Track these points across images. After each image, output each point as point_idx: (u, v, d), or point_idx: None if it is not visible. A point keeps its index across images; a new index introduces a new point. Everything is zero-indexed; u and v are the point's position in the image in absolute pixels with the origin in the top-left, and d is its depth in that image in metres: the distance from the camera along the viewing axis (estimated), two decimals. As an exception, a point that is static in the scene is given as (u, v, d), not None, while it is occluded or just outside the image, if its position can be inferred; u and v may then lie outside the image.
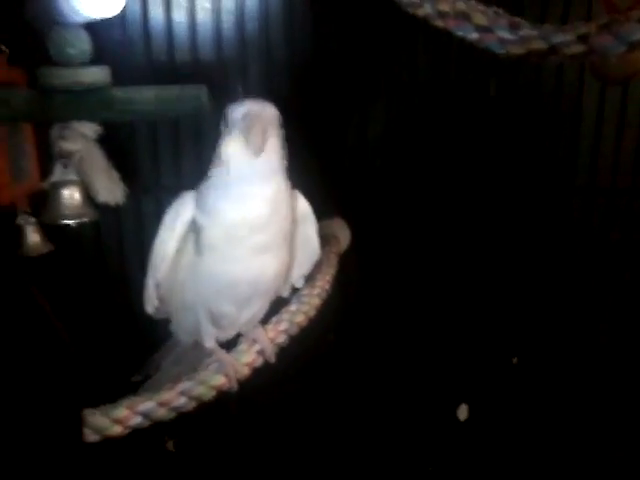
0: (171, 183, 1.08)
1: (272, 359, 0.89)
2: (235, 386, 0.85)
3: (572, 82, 1.16)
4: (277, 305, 0.94)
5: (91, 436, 0.81)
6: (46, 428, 0.66)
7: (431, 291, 1.24)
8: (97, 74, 0.90)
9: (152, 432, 0.91)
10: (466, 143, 1.16)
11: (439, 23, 0.78)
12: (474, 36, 0.74)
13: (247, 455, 1.34)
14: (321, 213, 0.89)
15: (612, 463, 1.29)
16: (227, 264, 0.80)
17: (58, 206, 0.99)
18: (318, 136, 1.16)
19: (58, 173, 0.99)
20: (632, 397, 1.29)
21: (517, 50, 0.71)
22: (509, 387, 1.30)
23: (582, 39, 0.64)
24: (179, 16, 1.09)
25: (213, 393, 0.84)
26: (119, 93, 0.90)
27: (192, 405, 0.84)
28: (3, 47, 0.97)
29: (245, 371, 0.87)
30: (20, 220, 1.04)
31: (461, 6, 0.73)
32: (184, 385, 0.83)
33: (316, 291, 0.98)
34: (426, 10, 0.76)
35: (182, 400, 0.83)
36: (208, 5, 1.08)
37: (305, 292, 0.96)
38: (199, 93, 0.76)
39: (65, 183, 0.99)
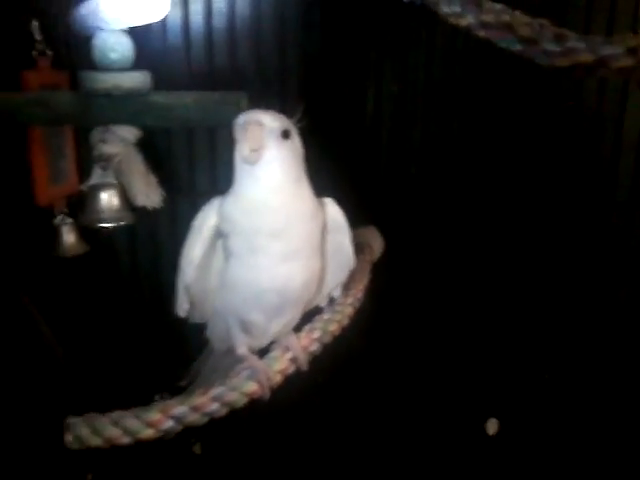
0: (206, 188, 1.09)
1: (305, 367, 0.89)
2: (267, 393, 0.85)
3: (614, 96, 1.13)
4: (313, 315, 0.94)
5: (124, 439, 0.82)
6: (28, 435, 0.67)
7: (464, 302, 1.23)
8: (138, 79, 0.91)
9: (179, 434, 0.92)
10: (504, 154, 1.15)
11: (482, 34, 0.77)
12: (518, 48, 0.73)
13: (273, 460, 1.34)
14: (354, 221, 0.88)
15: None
16: (252, 272, 0.80)
17: (96, 209, 1.00)
18: (353, 144, 1.15)
19: (97, 176, 1.00)
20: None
21: (562, 62, 0.69)
22: (540, 402, 1.28)
23: (632, 52, 0.63)
24: (219, 22, 1.09)
25: (245, 400, 0.84)
26: (159, 98, 0.90)
27: (224, 411, 0.84)
28: (47, 50, 0.98)
29: (277, 378, 0.87)
30: (57, 221, 1.05)
31: (505, 17, 0.72)
32: (216, 391, 0.83)
33: (349, 300, 0.97)
34: (469, 20, 0.75)
35: (214, 406, 0.83)
36: (247, 12, 1.08)
37: (339, 301, 0.96)
38: (239, 99, 0.76)
39: (103, 186, 1.00)
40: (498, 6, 0.73)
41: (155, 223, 1.15)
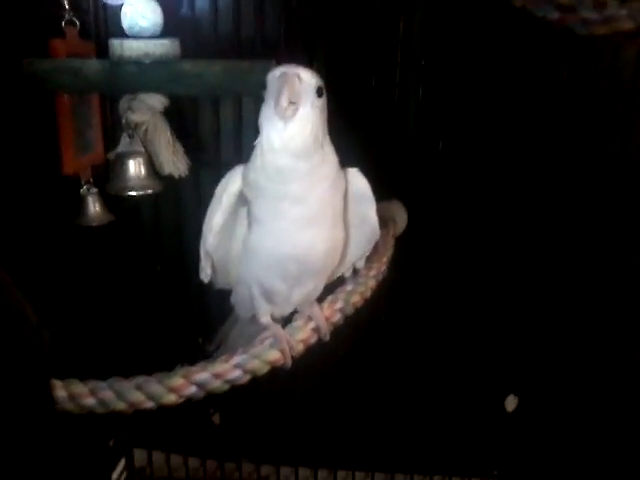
0: (231, 159, 1.08)
1: (327, 337, 0.89)
2: (289, 362, 0.86)
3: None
4: (337, 286, 0.94)
5: (147, 403, 0.83)
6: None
7: (485, 278, 1.22)
8: (167, 46, 0.91)
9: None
10: (534, 132, 1.13)
11: (518, 2, 0.76)
12: (555, 16, 0.72)
13: (291, 431, 1.35)
14: (379, 195, 0.88)
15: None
16: (273, 238, 0.80)
17: (123, 177, 1.00)
18: (380, 117, 1.15)
19: (124, 144, 1.00)
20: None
21: (602, 31, 0.68)
22: (558, 379, 1.28)
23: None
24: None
25: (267, 368, 0.85)
26: (188, 66, 0.90)
27: (246, 378, 0.85)
28: (75, 20, 0.98)
29: (300, 347, 0.88)
30: (83, 191, 1.06)
31: (542, -16, 0.72)
32: (239, 358, 0.84)
33: (372, 272, 0.97)
34: (505, -11, 0.74)
35: (237, 373, 0.84)
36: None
37: (362, 273, 0.96)
38: (268, 68, 0.75)
39: (130, 154, 1.00)
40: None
41: (180, 193, 1.16)
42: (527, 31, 1.01)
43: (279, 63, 0.77)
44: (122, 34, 0.93)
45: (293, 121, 0.73)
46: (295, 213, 0.78)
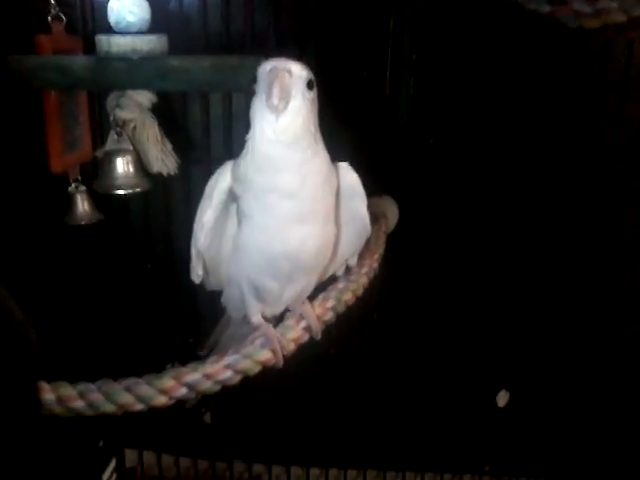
0: (221, 156, 1.07)
1: (319, 336, 0.89)
2: (281, 361, 0.85)
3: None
4: (329, 284, 0.93)
5: (137, 405, 0.82)
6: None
7: (477, 275, 1.22)
8: (155, 42, 0.89)
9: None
10: (525, 128, 1.13)
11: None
12: (546, 9, 0.72)
13: (282, 430, 1.35)
14: (370, 191, 0.87)
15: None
16: (263, 234, 0.79)
17: (111, 175, 0.99)
18: (371, 112, 1.14)
19: (112, 142, 0.99)
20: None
21: (593, 24, 0.68)
22: (550, 374, 1.28)
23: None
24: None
25: (259, 368, 0.84)
26: (176, 62, 0.89)
27: (237, 379, 0.84)
28: (62, 15, 0.97)
29: (291, 347, 0.87)
30: (71, 189, 1.05)
31: (533, -23, 0.71)
32: (230, 358, 0.84)
33: (364, 270, 0.97)
34: (496, -18, 0.73)
35: (228, 373, 0.83)
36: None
37: (353, 270, 0.95)
38: (257, 64, 0.74)
39: (118, 152, 0.98)
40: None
41: (170, 190, 1.15)
42: (518, 24, 1.00)
43: (269, 58, 0.76)
44: (109, 30, 0.91)
45: (284, 114, 0.72)
46: (285, 208, 0.77)
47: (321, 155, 0.79)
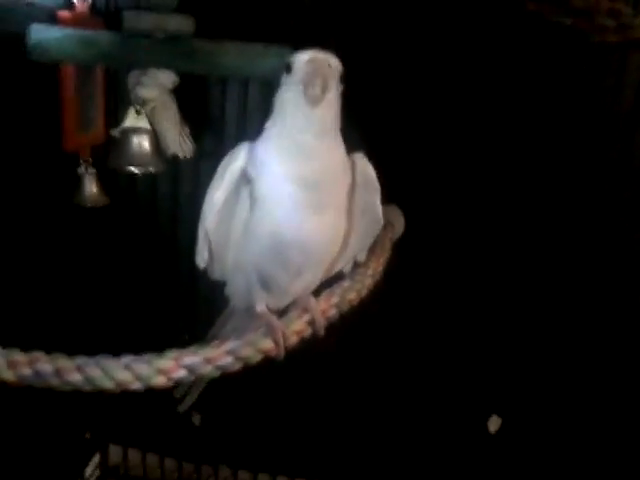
0: (234, 145, 1.07)
1: (321, 332, 0.87)
2: (282, 353, 0.83)
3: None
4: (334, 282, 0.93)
5: (135, 384, 0.80)
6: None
7: (475, 294, 1.22)
8: (181, 22, 0.90)
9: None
10: (532, 140, 1.13)
11: (532, 7, 0.76)
12: (569, 21, 0.72)
13: (273, 432, 1.33)
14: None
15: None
16: (276, 221, 0.78)
17: (127, 153, 0.98)
18: (378, 123, 1.14)
19: (131, 119, 0.99)
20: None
21: (615, 38, 0.69)
22: (542, 399, 1.26)
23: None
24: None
25: (260, 356, 0.83)
26: (201, 44, 0.89)
27: (238, 366, 0.82)
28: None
29: (294, 339, 0.85)
30: (81, 169, 1.05)
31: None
32: (231, 344, 0.82)
33: (370, 272, 0.96)
34: (520, -7, 0.74)
35: (229, 359, 0.81)
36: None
37: (359, 270, 0.95)
38: (283, 52, 0.75)
39: (136, 130, 0.98)
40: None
41: (179, 178, 1.14)
42: (538, 35, 1.01)
43: (295, 48, 0.77)
44: (135, 8, 0.91)
45: (319, 107, 0.73)
46: (303, 197, 0.76)
47: (341, 146, 0.80)
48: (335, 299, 0.90)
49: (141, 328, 1.23)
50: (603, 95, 1.09)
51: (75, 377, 0.79)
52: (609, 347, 1.22)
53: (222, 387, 0.85)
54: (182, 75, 0.98)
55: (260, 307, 0.87)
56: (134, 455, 1.37)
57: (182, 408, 1.03)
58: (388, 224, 1.08)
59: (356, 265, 0.95)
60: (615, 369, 1.23)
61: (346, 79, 0.77)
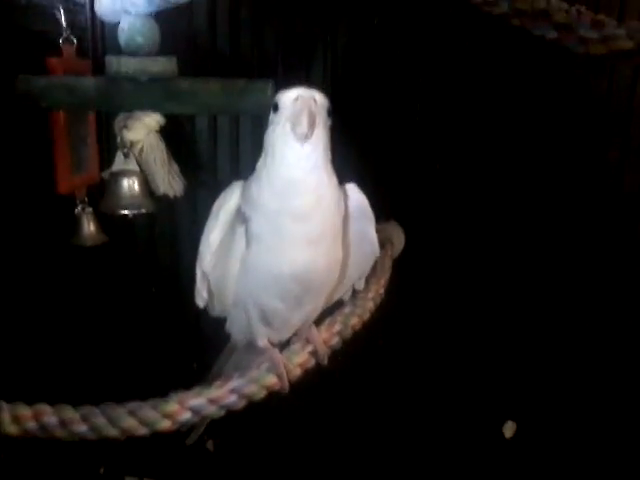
0: (228, 179, 1.07)
1: (325, 361, 0.87)
2: (287, 386, 0.83)
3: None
4: (335, 309, 0.93)
5: (141, 429, 0.80)
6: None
7: (483, 302, 1.21)
8: (164, 64, 0.90)
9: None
10: (531, 154, 1.13)
11: (516, 22, 0.76)
12: (553, 35, 0.72)
13: (285, 457, 1.33)
14: (376, 216, 0.87)
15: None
16: (273, 256, 0.78)
17: (117, 196, 0.99)
18: (377, 137, 1.14)
19: (119, 163, 0.99)
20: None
21: (599, 50, 0.68)
22: (557, 405, 1.26)
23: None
24: (245, 8, 1.07)
25: (264, 393, 0.83)
26: (185, 84, 0.89)
27: (242, 404, 0.82)
28: (73, 38, 0.98)
29: (297, 372, 0.85)
30: (78, 210, 1.05)
31: (541, 4, 0.71)
32: (235, 383, 0.82)
33: (371, 295, 0.96)
34: (502, 9, 0.74)
35: (232, 398, 0.82)
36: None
37: (360, 295, 0.95)
38: (265, 87, 0.75)
39: (125, 173, 0.98)
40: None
41: (176, 213, 1.14)
42: (524, 50, 1.01)
43: (277, 82, 0.77)
44: (119, 52, 0.91)
45: (308, 143, 0.74)
46: (297, 230, 0.77)
47: (333, 178, 0.79)
48: (337, 327, 0.90)
49: (148, 363, 1.24)
50: (591, 105, 1.09)
51: (80, 428, 0.79)
52: (624, 353, 1.22)
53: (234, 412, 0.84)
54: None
55: (262, 342, 0.87)
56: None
57: (190, 441, 1.03)
58: (387, 242, 1.08)
59: (356, 291, 0.95)
60: (630, 375, 1.23)
61: (343, 96, 0.76)
